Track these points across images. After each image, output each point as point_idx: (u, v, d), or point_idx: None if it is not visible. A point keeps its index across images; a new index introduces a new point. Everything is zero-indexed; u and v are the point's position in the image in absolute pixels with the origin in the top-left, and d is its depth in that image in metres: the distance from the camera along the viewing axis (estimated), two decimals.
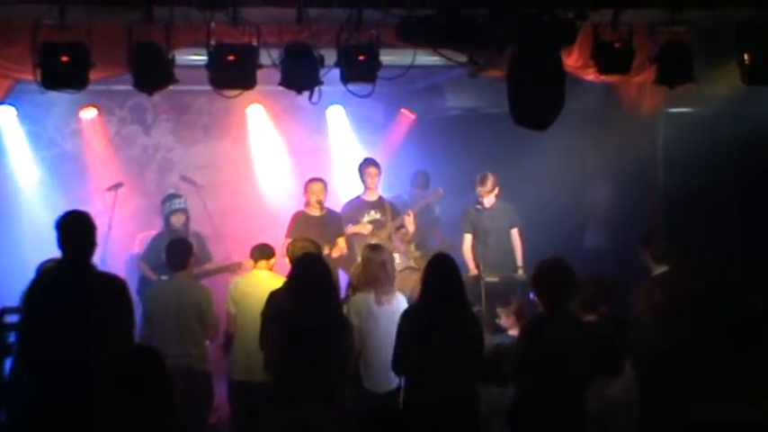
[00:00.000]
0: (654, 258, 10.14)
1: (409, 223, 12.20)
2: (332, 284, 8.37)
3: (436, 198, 12.74)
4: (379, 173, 12.30)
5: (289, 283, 8.30)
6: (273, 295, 8.90)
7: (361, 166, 12.38)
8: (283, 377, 8.10)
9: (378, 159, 12.65)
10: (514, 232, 12.39)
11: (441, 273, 8.18)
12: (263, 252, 10.11)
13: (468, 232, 12.34)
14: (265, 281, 9.71)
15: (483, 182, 12.26)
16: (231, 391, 9.88)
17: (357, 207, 12.27)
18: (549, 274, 7.92)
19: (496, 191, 12.31)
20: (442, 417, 7.82)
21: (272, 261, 10.13)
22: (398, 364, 8.24)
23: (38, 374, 7.30)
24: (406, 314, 8.32)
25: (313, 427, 7.86)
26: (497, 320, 10.24)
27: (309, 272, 8.24)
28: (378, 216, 12.25)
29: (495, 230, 12.32)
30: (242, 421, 9.72)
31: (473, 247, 12.26)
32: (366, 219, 12.20)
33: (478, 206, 12.28)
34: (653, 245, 10.27)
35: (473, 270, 11.96)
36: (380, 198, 12.41)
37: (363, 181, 12.32)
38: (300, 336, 7.98)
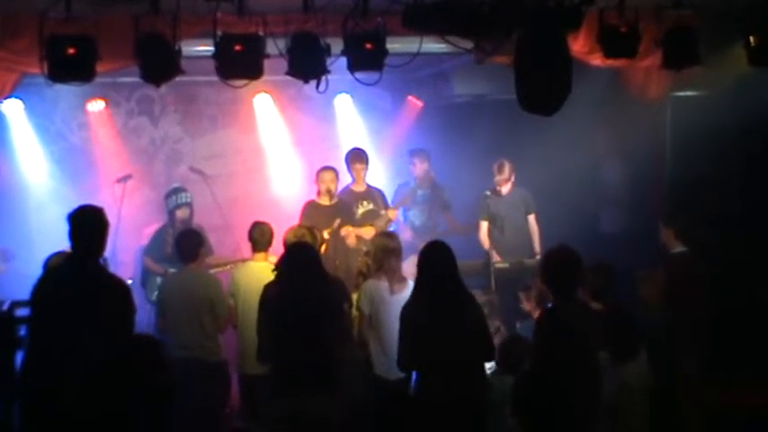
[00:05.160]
0: (677, 236, 10.17)
1: (393, 217, 12.28)
2: (319, 270, 8.36)
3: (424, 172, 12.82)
4: (366, 166, 12.33)
5: (276, 273, 8.30)
6: (267, 287, 8.83)
7: (348, 158, 12.39)
8: (277, 366, 8.12)
9: (386, 147, 12.65)
10: (531, 218, 12.46)
11: (435, 261, 8.15)
12: (259, 241, 9.95)
13: (485, 219, 12.35)
14: (263, 272, 9.40)
15: (500, 170, 12.29)
16: (242, 384, 9.88)
17: (348, 198, 12.22)
18: (557, 264, 7.92)
19: (513, 178, 12.33)
20: (454, 406, 7.81)
21: (270, 250, 10.00)
22: (404, 362, 8.19)
23: (46, 368, 7.34)
24: (406, 309, 8.25)
25: (313, 416, 7.87)
26: (520, 305, 10.27)
27: (296, 259, 8.25)
28: (371, 206, 12.27)
29: (511, 217, 12.39)
30: (253, 412, 9.73)
31: (490, 233, 12.26)
32: (360, 210, 12.21)
33: (495, 193, 12.31)
34: (678, 223, 10.30)
35: (496, 256, 11.96)
36: (369, 187, 12.42)
37: (351, 174, 12.35)
38: (289, 324, 8.00)
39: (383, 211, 12.17)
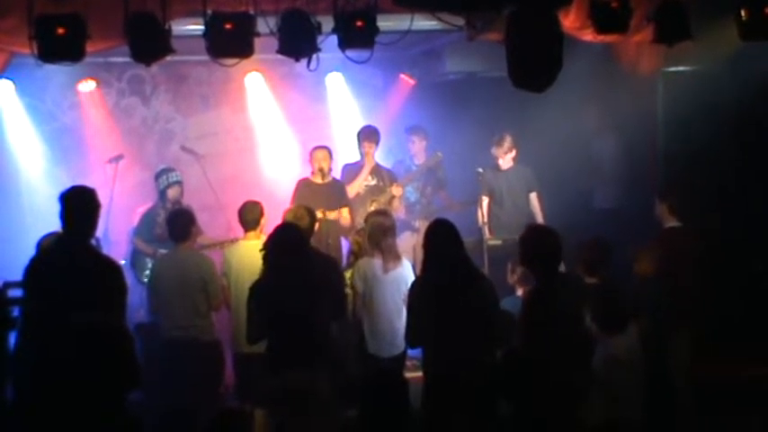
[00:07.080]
0: (671, 211, 10.16)
1: (398, 193, 12.25)
2: (306, 250, 8.37)
3: (435, 161, 12.67)
4: (376, 146, 12.32)
5: (263, 254, 8.31)
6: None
7: (359, 135, 12.40)
8: (271, 345, 8.15)
9: (378, 125, 12.61)
10: (533, 197, 12.37)
11: (440, 239, 8.15)
12: (248, 220, 9.93)
13: (485, 195, 12.28)
14: (255, 251, 9.24)
15: (500, 143, 12.25)
16: (236, 363, 9.88)
17: (355, 171, 12.27)
18: (534, 246, 7.93)
19: (513, 153, 12.29)
20: (464, 384, 7.80)
21: (261, 226, 9.92)
22: (412, 337, 8.23)
23: (40, 349, 7.34)
24: (414, 285, 8.33)
25: (305, 393, 7.88)
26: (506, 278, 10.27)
27: (281, 240, 8.24)
28: (374, 182, 12.26)
29: (510, 193, 12.33)
30: (247, 391, 9.73)
31: (489, 209, 12.24)
32: (364, 185, 12.21)
33: (494, 168, 12.28)
34: (672, 198, 10.29)
35: (488, 233, 11.89)
36: (377, 165, 12.40)
37: (360, 151, 12.33)
38: (278, 305, 8.01)
39: (388, 188, 12.18)
